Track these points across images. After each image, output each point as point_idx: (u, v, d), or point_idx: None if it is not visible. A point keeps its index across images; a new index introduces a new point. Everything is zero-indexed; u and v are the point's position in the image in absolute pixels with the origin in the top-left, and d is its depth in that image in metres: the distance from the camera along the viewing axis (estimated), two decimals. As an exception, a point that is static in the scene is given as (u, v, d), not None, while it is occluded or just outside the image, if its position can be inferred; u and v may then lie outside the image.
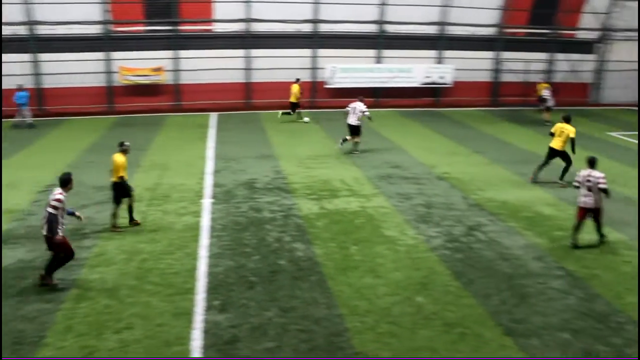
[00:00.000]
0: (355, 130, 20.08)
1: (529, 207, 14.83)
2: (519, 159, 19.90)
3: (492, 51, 31.73)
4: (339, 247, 11.91)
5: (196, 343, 8.45)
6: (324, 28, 29.13)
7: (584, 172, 12.38)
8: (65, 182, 10.29)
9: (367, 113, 20.10)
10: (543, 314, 9.49)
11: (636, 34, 33.39)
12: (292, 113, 25.81)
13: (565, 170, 16.76)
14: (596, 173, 12.21)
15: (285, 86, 28.02)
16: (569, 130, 16.53)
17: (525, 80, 31.98)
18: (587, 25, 33.02)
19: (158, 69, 28.46)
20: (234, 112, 28.68)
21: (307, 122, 25.54)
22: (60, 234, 9.95)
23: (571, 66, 33.12)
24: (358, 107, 20.13)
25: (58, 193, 10.04)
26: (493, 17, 31.04)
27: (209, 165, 18.39)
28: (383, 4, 29.10)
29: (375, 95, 30.40)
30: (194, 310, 9.31)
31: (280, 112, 26.08)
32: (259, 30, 28.53)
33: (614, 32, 33.39)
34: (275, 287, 10.11)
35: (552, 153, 16.88)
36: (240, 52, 28.75)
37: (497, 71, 31.92)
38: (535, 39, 32.46)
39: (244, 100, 29.53)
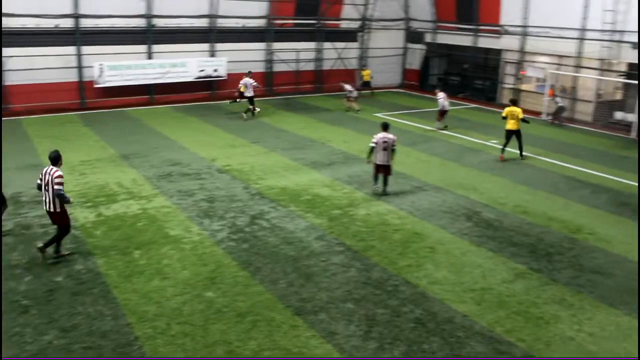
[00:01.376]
0: (252, 101, 25.51)
1: (307, 190, 15.66)
2: (295, 145, 20.86)
3: (264, 42, 32.63)
4: (122, 254, 11.41)
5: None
6: (86, 23, 27.27)
7: (380, 134, 14.76)
8: (57, 159, 10.96)
9: (254, 83, 25.78)
10: (328, 289, 10.16)
11: (390, 23, 36.96)
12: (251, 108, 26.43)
13: (521, 146, 19.82)
14: (390, 135, 14.83)
15: (47, 87, 25.91)
16: (518, 111, 19.38)
17: (296, 69, 33.47)
18: (349, 15, 35.60)
19: None
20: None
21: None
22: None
23: (338, 54, 35.49)
24: (248, 81, 25.50)
25: (56, 171, 10.75)
26: (262, 9, 31.89)
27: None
28: (149, -3, 28.17)
29: (149, 93, 29.45)
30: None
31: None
32: (10, 26, 25.65)
33: (373, 22, 36.53)
34: (53, 307, 9.36)
35: (510, 133, 19.52)
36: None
37: (269, 62, 32.93)
38: (303, 29, 34.08)
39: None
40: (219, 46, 30.93)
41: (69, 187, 15.40)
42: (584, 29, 27.40)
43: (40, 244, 11.07)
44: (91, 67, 27.48)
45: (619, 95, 28.13)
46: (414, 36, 37.54)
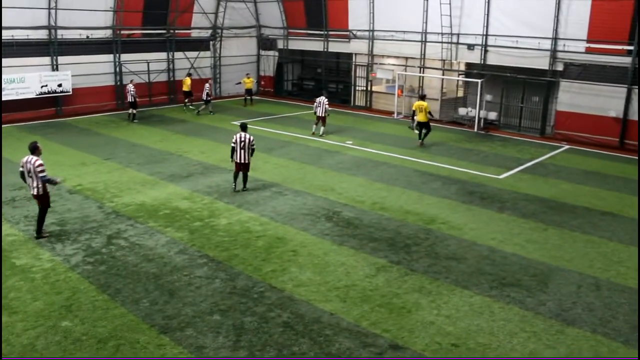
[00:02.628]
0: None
1: (166, 205, 15.25)
2: (150, 159, 20.21)
3: (111, 54, 31.22)
4: (-39, 291, 10.39)
5: None
6: None
7: (239, 134, 16.02)
8: (35, 149, 12.69)
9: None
10: (193, 304, 9.98)
11: (241, 30, 37.02)
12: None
13: (426, 135, 22.93)
14: (248, 135, 16.06)
15: None
16: (425, 105, 22.34)
17: (148, 80, 32.44)
18: (199, 24, 35.13)
19: None
20: None
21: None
22: None
23: (191, 63, 34.87)
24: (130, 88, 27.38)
25: (36, 160, 12.46)
26: (107, 19, 30.48)
27: None
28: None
29: (-16, 112, 27.02)
30: None
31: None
32: None
33: (224, 30, 36.34)
34: None
35: (421, 125, 22.65)
36: None
37: (119, 74, 31.58)
38: (152, 39, 33.07)
39: None
40: (62, 59, 29.06)
41: None
42: (425, 32, 29.32)
43: (35, 234, 12.86)
44: None
45: (460, 93, 30.43)
46: (266, 43, 37.94)
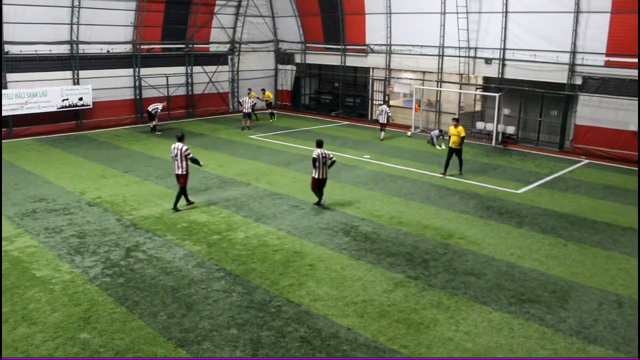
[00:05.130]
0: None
1: (183, 218, 15.33)
2: (168, 172, 20.29)
3: (131, 68, 31.65)
4: (-18, 302, 10.50)
5: None
6: None
7: (319, 150, 16.00)
8: (182, 137, 15.96)
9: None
10: (210, 317, 9.98)
11: (259, 45, 37.34)
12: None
13: (462, 164, 20.68)
14: (328, 152, 16.25)
15: None
16: (460, 129, 20.13)
17: (167, 94, 32.76)
18: (218, 39, 35.52)
19: None
20: None
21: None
22: None
23: (209, 78, 35.19)
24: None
25: (183, 146, 15.66)
26: (127, 34, 30.95)
27: None
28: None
29: (6, 125, 27.41)
30: None
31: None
32: None
33: (242, 44, 36.68)
34: None
35: (451, 151, 20.32)
36: None
37: (138, 88, 31.96)
38: (171, 54, 33.48)
39: None
40: (83, 73, 29.52)
41: None
42: (442, 46, 29.33)
43: (172, 208, 15.86)
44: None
45: (478, 107, 30.32)
46: (284, 57, 38.20)
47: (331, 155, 16.33)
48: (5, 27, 26.39)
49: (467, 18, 27.84)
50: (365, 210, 16.16)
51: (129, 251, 12.98)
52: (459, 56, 28.71)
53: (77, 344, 9.12)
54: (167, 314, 10.10)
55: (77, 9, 28.23)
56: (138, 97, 31.84)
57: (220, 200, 17.02)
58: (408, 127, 30.31)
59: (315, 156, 15.96)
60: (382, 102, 26.45)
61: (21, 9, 26.50)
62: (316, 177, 16.12)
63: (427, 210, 16.31)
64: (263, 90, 34.88)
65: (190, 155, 15.70)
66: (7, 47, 26.72)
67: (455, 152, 20.41)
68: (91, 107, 29.45)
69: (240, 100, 30.88)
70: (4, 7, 25.84)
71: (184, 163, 15.62)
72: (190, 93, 34.50)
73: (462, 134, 20.16)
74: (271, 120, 32.72)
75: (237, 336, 9.38)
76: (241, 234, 14.12)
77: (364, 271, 12.05)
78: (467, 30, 28.01)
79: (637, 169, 22.24)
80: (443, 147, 22.70)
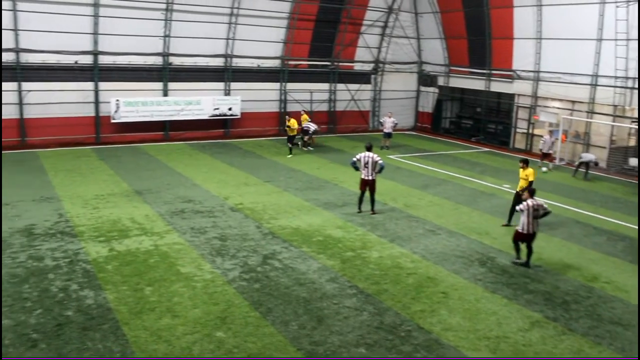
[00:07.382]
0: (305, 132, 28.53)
1: (320, 231, 15.57)
2: (308, 185, 20.87)
3: (278, 82, 33.06)
4: (133, 290, 11.32)
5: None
6: (104, 60, 27.78)
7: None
8: (371, 147, 17.57)
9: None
10: (340, 333, 9.98)
11: (403, 65, 37.43)
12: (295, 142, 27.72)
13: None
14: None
15: (64, 122, 26.36)
16: (531, 172, 16.90)
17: (310, 110, 33.75)
18: (362, 58, 36.10)
19: None
20: (6, 151, 25.75)
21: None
22: None
23: (351, 95, 35.85)
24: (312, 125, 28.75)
25: (374, 155, 17.32)
26: (277, 50, 32.43)
27: (-24, 214, 16.32)
28: (167, 36, 28.71)
29: (164, 129, 29.77)
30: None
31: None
32: (31, 61, 26.19)
33: (386, 65, 36.99)
34: (62, 342, 9.24)
35: (517, 196, 16.54)
36: (10, 86, 26.04)
37: (283, 101, 33.28)
38: (317, 70, 34.54)
39: (18, 138, 26.76)
40: (234, 85, 31.36)
41: (82, 221, 15.52)
42: (596, 75, 27.57)
43: (370, 212, 17.38)
44: (108, 102, 27.88)
45: (632, 142, 28.07)
46: (426, 79, 37.88)
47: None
48: (171, 41, 28.77)
49: (627, 45, 25.90)
50: (503, 242, 15.45)
51: (266, 258, 13.40)
52: (615, 86, 26.77)
53: (214, 341, 9.51)
54: (299, 325, 10.24)
55: (234, 25, 30.07)
56: (283, 110, 33.10)
57: (357, 217, 17.12)
58: (551, 159, 28.37)
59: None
60: (548, 131, 25.13)
61: (187, 25, 28.84)
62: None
63: (570, 249, 15.26)
64: (303, 110, 31.24)
65: (381, 162, 17.35)
66: (171, 59, 29.07)
67: (517, 201, 16.47)
68: (239, 117, 31.12)
69: (381, 120, 31.04)
70: (176, 26, 28.27)
71: (374, 170, 17.22)
72: (332, 109, 35.29)
73: (531, 178, 16.93)
74: (289, 156, 26.99)
75: (364, 355, 9.29)
76: (375, 253, 14.07)
77: (500, 306, 11.48)
78: (627, 58, 26.05)
79: None
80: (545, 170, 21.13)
